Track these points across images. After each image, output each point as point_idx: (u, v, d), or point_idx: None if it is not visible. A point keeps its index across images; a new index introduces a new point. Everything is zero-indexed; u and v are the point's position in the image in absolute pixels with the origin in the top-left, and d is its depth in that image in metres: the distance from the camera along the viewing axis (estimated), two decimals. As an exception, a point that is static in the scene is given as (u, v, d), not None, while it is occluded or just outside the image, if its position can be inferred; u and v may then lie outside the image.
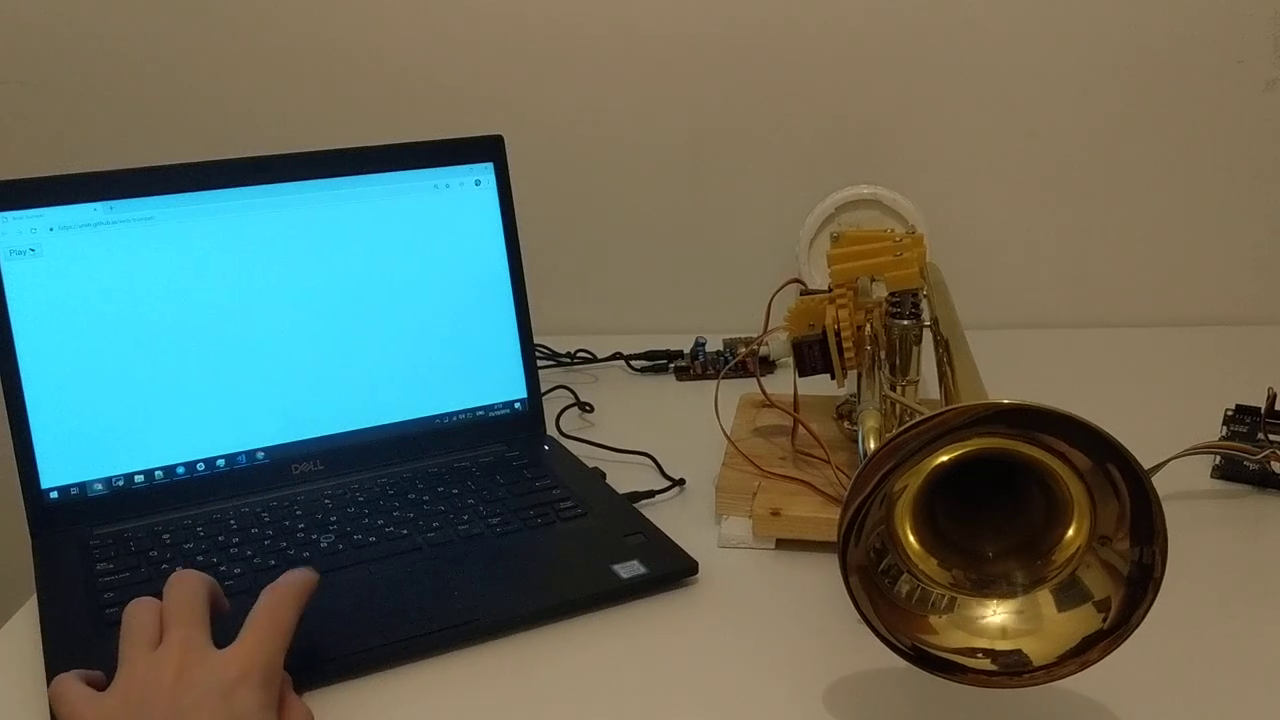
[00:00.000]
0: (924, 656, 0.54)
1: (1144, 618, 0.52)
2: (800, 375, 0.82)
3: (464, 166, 0.90)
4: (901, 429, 0.51)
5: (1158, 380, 1.07)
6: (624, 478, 0.88)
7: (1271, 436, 0.86)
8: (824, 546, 0.76)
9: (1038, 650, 0.54)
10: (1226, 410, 0.89)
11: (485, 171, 0.91)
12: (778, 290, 0.88)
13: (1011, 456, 0.53)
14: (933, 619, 0.55)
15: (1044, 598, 0.55)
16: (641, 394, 1.08)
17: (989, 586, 0.56)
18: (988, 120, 1.17)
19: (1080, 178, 1.18)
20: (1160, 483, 0.83)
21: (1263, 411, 0.87)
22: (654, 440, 0.93)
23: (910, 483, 0.55)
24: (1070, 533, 0.54)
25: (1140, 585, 0.52)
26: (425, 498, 0.83)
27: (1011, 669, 0.53)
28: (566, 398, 1.04)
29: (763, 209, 1.19)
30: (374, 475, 0.86)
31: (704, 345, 1.12)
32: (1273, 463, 0.84)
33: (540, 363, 1.12)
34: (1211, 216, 1.18)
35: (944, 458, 0.54)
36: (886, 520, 0.55)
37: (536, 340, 1.12)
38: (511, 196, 0.91)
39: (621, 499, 0.83)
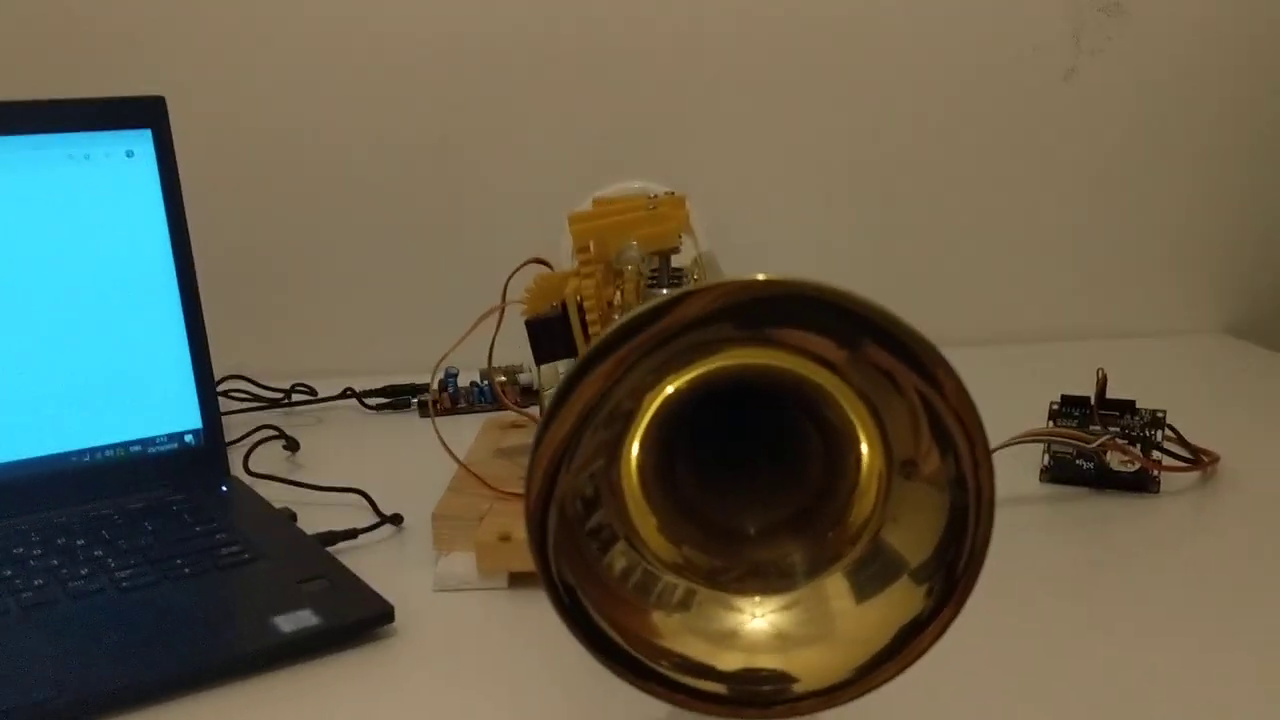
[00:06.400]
0: (632, 662, 0.36)
1: (982, 561, 0.35)
2: (538, 361, 0.64)
3: (111, 133, 0.70)
4: (610, 329, 0.34)
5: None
6: (332, 520, 0.67)
7: (1109, 427, 0.73)
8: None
9: (828, 662, 0.36)
10: (1052, 404, 0.76)
11: (141, 140, 0.71)
12: (516, 270, 0.71)
13: (758, 383, 0.37)
14: (656, 616, 0.36)
15: (835, 586, 0.38)
16: (374, 433, 0.89)
17: (747, 579, 0.38)
18: (768, 118, 1.04)
19: (872, 178, 1.06)
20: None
21: (1093, 400, 0.74)
22: (376, 479, 0.73)
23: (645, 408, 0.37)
24: (862, 473, 0.37)
25: (968, 512, 0.35)
26: (36, 553, 0.61)
27: (753, 699, 0.35)
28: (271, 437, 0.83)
29: (525, 220, 1.02)
30: (-31, 530, 0.64)
31: (455, 376, 0.93)
32: (1109, 452, 0.70)
33: (244, 404, 0.91)
34: (1009, 218, 1.08)
35: (677, 383, 0.37)
36: (608, 456, 0.37)
37: (244, 377, 0.92)
38: (177, 173, 0.72)
39: (310, 541, 0.63)
